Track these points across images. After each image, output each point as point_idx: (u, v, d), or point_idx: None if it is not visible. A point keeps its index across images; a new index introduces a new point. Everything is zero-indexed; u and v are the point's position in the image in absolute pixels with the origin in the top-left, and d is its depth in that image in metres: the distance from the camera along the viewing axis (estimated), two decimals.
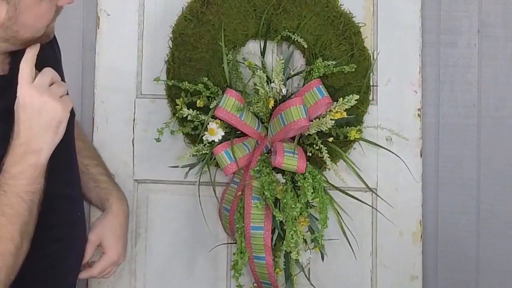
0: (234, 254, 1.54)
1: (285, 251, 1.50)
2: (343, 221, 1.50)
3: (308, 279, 1.58)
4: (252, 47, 1.62)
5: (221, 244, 1.64)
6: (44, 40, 1.05)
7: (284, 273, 1.56)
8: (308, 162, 1.48)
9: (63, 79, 1.17)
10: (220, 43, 1.55)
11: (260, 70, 1.54)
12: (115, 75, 1.64)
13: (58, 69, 1.15)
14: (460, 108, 1.62)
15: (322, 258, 1.53)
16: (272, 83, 1.52)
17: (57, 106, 1.00)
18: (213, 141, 1.50)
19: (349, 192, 1.53)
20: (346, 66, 1.52)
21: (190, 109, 1.53)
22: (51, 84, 1.02)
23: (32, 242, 1.04)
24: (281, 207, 1.46)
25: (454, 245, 1.61)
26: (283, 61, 1.51)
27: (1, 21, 0.95)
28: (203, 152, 1.53)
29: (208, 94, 1.53)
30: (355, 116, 1.55)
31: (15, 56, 1.06)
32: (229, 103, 1.49)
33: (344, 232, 1.50)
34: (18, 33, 0.99)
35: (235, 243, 1.53)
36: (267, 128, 1.54)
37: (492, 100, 1.61)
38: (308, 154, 1.52)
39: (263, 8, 1.57)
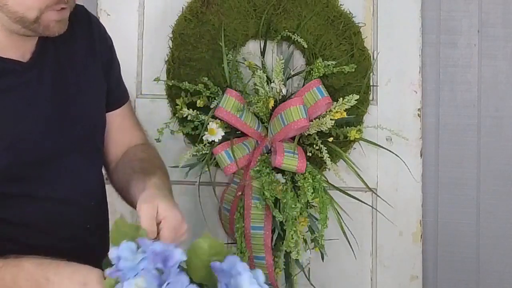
0: (234, 254, 1.54)
1: (285, 251, 1.50)
2: (343, 221, 1.50)
3: (308, 279, 1.57)
4: (252, 47, 1.62)
5: None
6: (41, 31, 1.01)
7: (284, 273, 1.56)
8: (308, 162, 1.48)
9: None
10: (220, 43, 1.55)
11: (260, 70, 1.54)
12: None
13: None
14: (460, 108, 1.62)
15: (322, 258, 1.53)
16: (272, 83, 1.52)
17: None
18: (213, 141, 1.50)
19: (349, 192, 1.53)
20: (346, 66, 1.52)
21: (190, 109, 1.53)
22: None
23: None
24: (281, 207, 1.46)
25: (454, 245, 1.62)
26: (283, 61, 1.51)
27: None
28: (203, 152, 1.53)
29: (208, 94, 1.53)
30: (355, 116, 1.55)
31: (42, 48, 1.07)
32: (229, 103, 1.49)
33: (344, 232, 1.50)
34: (7, 4, 0.97)
35: (235, 243, 1.53)
36: (267, 128, 1.54)
37: (492, 100, 1.61)
38: (308, 154, 1.52)
39: (263, 8, 1.57)
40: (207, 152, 1.52)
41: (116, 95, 1.21)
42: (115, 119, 1.20)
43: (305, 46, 1.54)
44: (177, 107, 1.56)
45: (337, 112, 1.49)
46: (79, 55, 1.13)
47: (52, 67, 1.08)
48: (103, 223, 1.17)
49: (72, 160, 1.09)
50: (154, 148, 1.26)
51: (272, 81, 1.52)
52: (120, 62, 1.25)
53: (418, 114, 1.60)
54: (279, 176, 1.51)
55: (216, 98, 1.53)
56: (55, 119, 1.06)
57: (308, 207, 1.51)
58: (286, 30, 1.56)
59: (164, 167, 1.18)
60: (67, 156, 1.08)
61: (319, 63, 1.52)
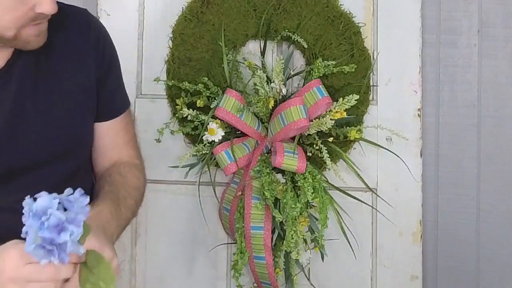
0: (234, 254, 1.54)
1: (285, 251, 1.50)
2: (343, 221, 1.50)
3: (308, 279, 1.58)
4: (252, 47, 1.62)
5: (221, 244, 1.64)
6: (21, 45, 0.99)
7: (284, 273, 1.56)
8: (308, 162, 1.48)
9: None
10: (220, 43, 1.55)
11: (260, 70, 1.54)
12: None
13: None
14: (460, 108, 1.62)
15: (322, 258, 1.53)
16: (272, 83, 1.52)
17: None
18: (213, 141, 1.51)
19: (349, 192, 1.53)
20: (346, 66, 1.52)
21: (190, 109, 1.53)
22: None
23: None
24: (281, 207, 1.46)
25: (454, 245, 1.62)
26: (283, 61, 1.51)
27: None
28: (203, 152, 1.53)
29: (208, 94, 1.53)
30: (355, 116, 1.55)
31: (19, 55, 1.05)
32: (229, 103, 1.49)
33: (344, 232, 1.50)
34: None
35: (235, 243, 1.53)
36: (267, 128, 1.54)
37: (492, 100, 1.61)
38: (308, 154, 1.52)
39: (263, 8, 1.57)
40: (207, 152, 1.52)
41: (110, 107, 1.16)
42: (108, 132, 1.16)
43: (305, 46, 1.55)
44: (177, 107, 1.56)
45: (337, 112, 1.49)
46: (66, 63, 1.09)
47: (27, 76, 1.05)
48: None
49: (38, 175, 1.05)
50: (139, 169, 1.19)
51: (272, 81, 1.52)
52: (120, 62, 1.23)
53: (418, 114, 1.60)
54: (279, 176, 1.51)
55: (216, 98, 1.53)
56: (10, 132, 1.03)
57: (308, 207, 1.51)
58: (286, 30, 1.56)
59: (133, 195, 1.11)
60: (32, 170, 1.05)
61: (319, 63, 1.52)
